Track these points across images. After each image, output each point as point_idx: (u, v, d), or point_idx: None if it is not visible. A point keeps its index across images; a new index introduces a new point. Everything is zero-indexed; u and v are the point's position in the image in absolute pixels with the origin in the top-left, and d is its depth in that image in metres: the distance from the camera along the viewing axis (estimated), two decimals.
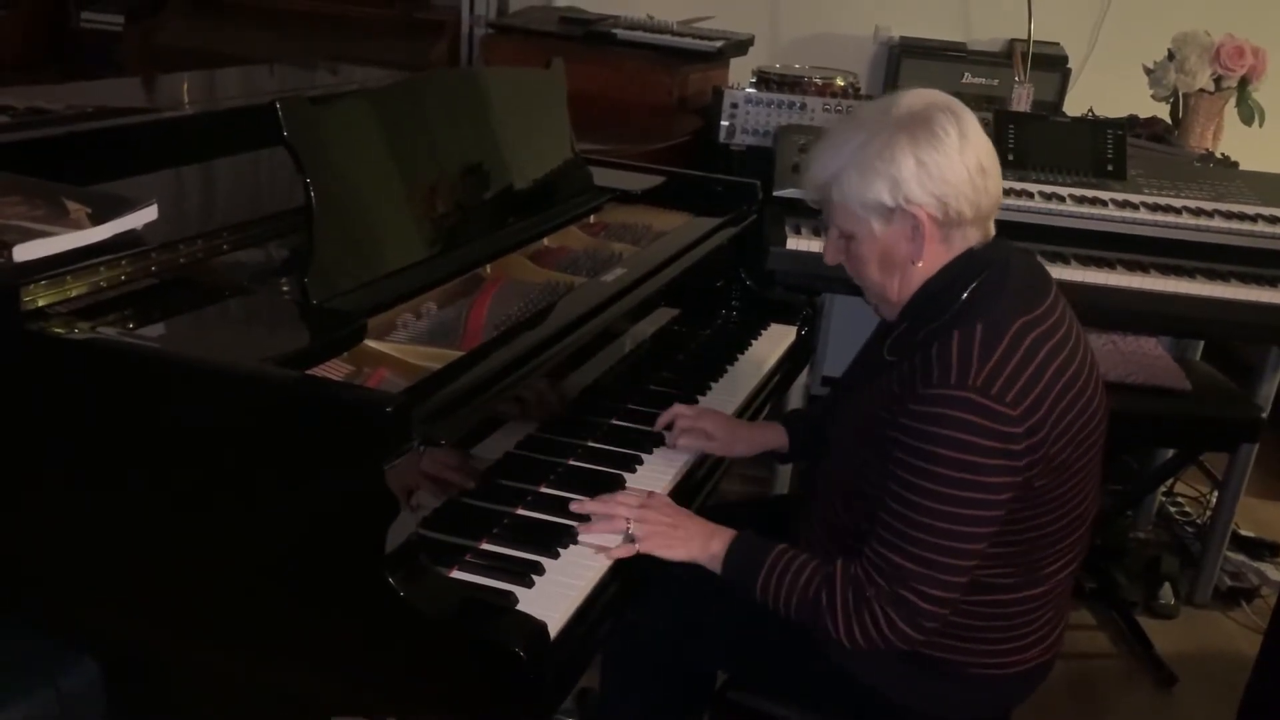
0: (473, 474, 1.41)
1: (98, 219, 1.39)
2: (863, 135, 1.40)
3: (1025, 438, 1.31)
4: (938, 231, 1.40)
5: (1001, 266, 1.41)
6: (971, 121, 1.41)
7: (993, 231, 1.46)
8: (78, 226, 1.37)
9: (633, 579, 1.44)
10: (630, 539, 1.43)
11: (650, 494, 1.52)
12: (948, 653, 1.47)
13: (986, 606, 1.45)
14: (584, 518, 1.45)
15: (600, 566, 1.40)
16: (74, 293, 1.32)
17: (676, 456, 1.70)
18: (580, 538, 1.43)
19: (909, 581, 1.34)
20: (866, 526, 1.41)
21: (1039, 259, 1.52)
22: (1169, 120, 3.15)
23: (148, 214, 1.45)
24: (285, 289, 1.47)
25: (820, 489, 1.59)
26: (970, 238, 1.42)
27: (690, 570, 1.48)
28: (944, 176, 1.36)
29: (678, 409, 1.75)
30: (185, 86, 2.37)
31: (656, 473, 1.65)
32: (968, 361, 1.31)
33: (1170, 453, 3.00)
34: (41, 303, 1.29)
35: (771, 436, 1.83)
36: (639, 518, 1.45)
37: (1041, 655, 1.53)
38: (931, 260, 1.42)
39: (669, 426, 1.73)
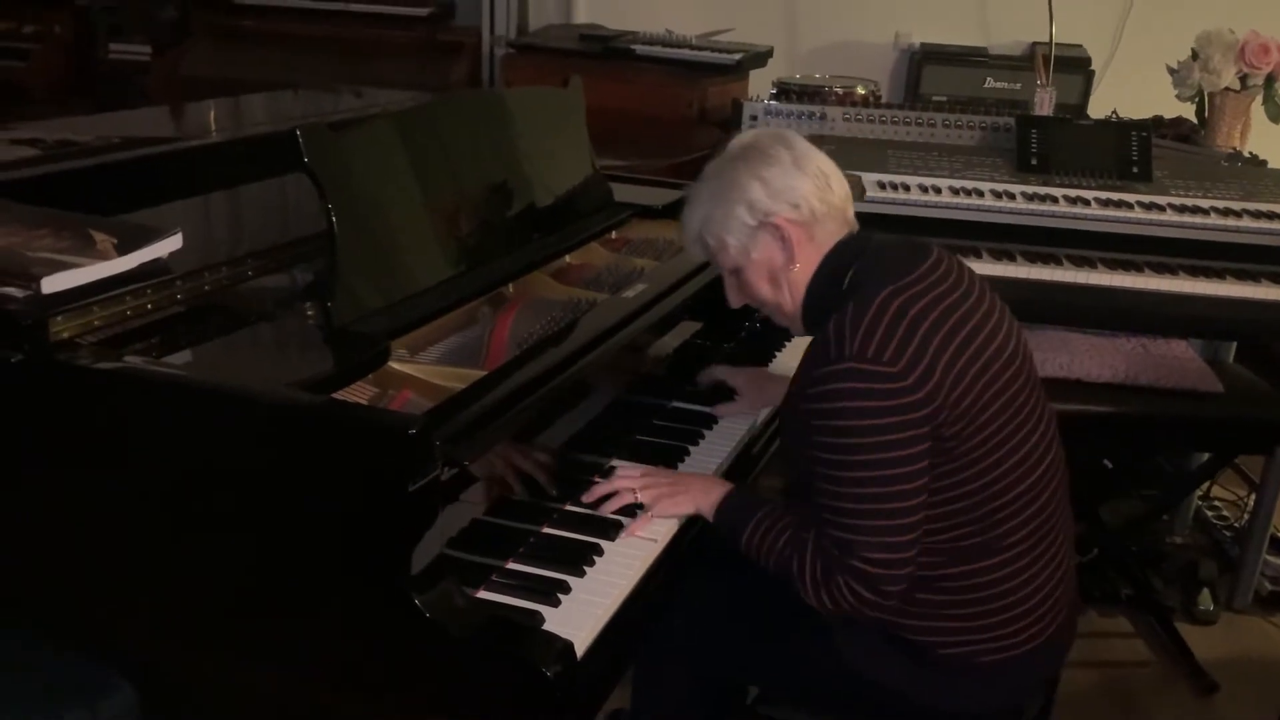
0: (500, 490, 1.42)
1: (124, 249, 1.41)
2: (710, 181, 1.55)
3: (916, 389, 1.37)
4: (801, 231, 1.50)
5: (874, 252, 1.50)
6: (801, 142, 1.54)
7: (855, 224, 1.56)
8: (104, 257, 1.39)
9: (658, 596, 1.45)
10: (641, 508, 1.54)
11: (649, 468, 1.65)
12: (941, 635, 1.49)
13: (959, 579, 1.48)
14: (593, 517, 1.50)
15: (625, 585, 1.40)
16: (101, 322, 1.34)
17: (704, 467, 1.70)
18: (621, 536, 1.51)
19: (857, 551, 1.40)
20: None
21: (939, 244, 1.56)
22: (1195, 120, 3.12)
23: (173, 242, 1.47)
24: (309, 313, 1.48)
25: (794, 492, 1.63)
26: (834, 233, 1.52)
27: (714, 585, 1.49)
28: (787, 184, 1.49)
29: (716, 368, 1.95)
30: (211, 114, 2.40)
31: None
32: (842, 336, 1.40)
33: (1205, 456, 2.96)
34: (70, 333, 1.31)
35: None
36: (642, 486, 1.56)
37: (1038, 636, 1.52)
38: (806, 261, 1.52)
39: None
